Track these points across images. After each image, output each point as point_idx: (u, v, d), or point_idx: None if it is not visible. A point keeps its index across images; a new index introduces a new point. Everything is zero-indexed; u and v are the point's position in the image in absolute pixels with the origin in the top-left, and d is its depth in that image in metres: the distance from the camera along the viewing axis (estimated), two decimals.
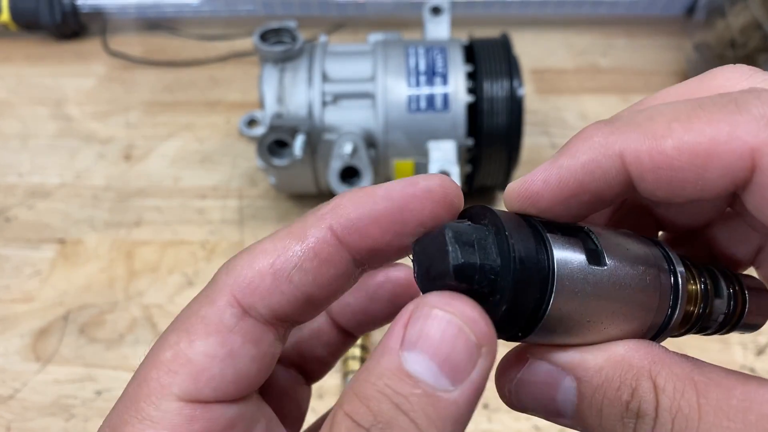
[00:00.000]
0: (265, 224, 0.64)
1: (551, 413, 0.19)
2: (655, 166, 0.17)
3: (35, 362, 0.53)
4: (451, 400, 0.16)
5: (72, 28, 0.86)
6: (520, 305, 0.17)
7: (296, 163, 0.56)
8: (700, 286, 0.20)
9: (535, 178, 0.18)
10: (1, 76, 0.82)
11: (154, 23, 0.89)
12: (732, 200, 0.20)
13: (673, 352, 0.18)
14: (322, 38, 0.62)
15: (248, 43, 0.74)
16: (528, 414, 0.19)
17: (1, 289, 0.59)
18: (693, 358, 0.18)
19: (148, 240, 0.62)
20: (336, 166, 0.55)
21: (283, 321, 0.19)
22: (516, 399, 0.19)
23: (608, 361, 0.18)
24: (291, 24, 0.59)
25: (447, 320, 0.16)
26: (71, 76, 0.82)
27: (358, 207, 0.18)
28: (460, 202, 0.19)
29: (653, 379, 0.17)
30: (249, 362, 0.18)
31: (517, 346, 0.20)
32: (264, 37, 0.58)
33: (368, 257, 0.19)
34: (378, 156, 0.58)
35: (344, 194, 0.19)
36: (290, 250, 0.18)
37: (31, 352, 0.54)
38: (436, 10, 0.63)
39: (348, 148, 0.55)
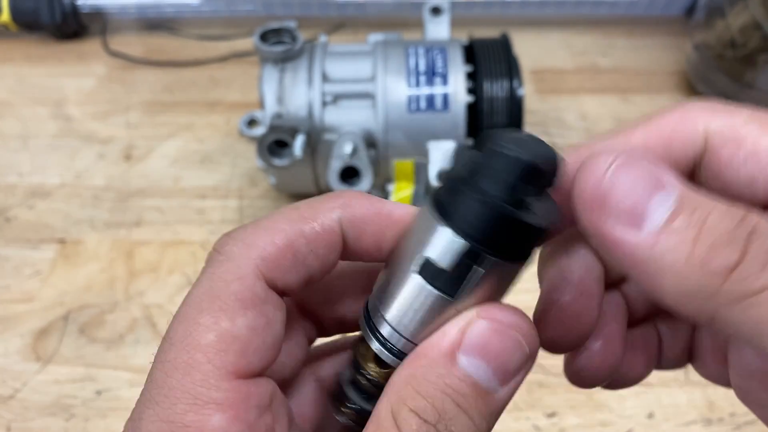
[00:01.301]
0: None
1: (634, 214, 0.16)
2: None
3: (35, 362, 0.53)
4: (497, 398, 0.18)
5: (72, 28, 0.86)
6: None
7: (296, 163, 0.56)
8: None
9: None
10: (1, 76, 0.82)
11: (155, 23, 0.89)
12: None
13: None
14: (322, 38, 0.62)
15: (248, 43, 0.74)
16: (598, 212, 0.17)
17: (1, 289, 0.59)
18: None
19: (149, 240, 0.62)
20: (336, 166, 0.55)
21: (286, 296, 0.21)
22: (612, 175, 0.17)
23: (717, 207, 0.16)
24: (291, 24, 0.59)
25: (506, 333, 0.18)
26: (71, 76, 0.82)
27: (367, 209, 0.21)
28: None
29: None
30: (281, 328, 0.20)
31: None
32: (264, 37, 0.58)
33: (360, 252, 0.21)
34: (378, 156, 0.58)
35: (351, 193, 0.21)
36: (307, 233, 0.20)
37: (32, 352, 0.54)
38: (436, 11, 0.63)
39: (348, 148, 0.55)
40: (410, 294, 0.19)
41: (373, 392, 0.21)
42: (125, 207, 0.66)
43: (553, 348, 0.22)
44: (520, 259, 0.19)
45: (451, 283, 0.19)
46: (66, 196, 0.67)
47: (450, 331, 0.19)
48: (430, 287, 0.19)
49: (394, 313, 0.20)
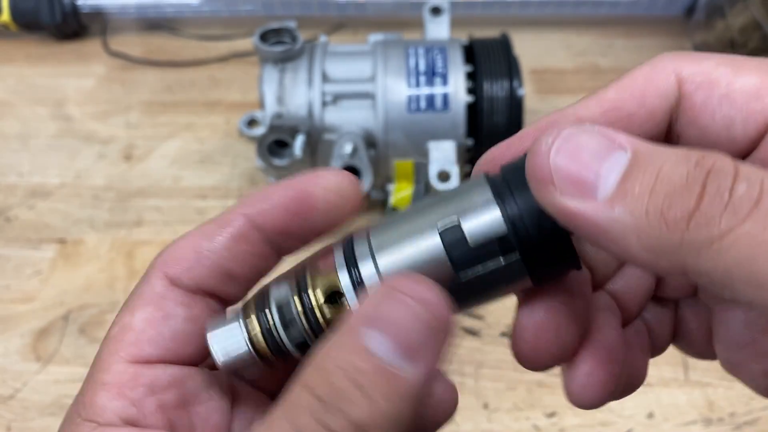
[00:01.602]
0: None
1: (584, 183, 0.16)
2: (604, 110, 0.20)
3: (35, 362, 0.53)
4: (404, 378, 0.16)
5: (72, 28, 0.86)
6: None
7: (296, 163, 0.56)
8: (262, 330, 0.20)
9: (501, 146, 0.21)
10: (2, 77, 0.82)
11: (155, 23, 0.89)
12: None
13: None
14: (322, 38, 0.62)
15: (248, 43, 0.74)
16: (548, 186, 0.16)
17: (1, 289, 0.59)
18: None
19: (149, 240, 0.62)
20: (336, 166, 0.55)
21: (211, 294, 0.22)
22: (556, 150, 0.16)
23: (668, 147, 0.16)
24: (291, 24, 0.59)
25: (409, 304, 0.17)
26: (71, 76, 0.82)
27: (266, 197, 0.22)
28: (357, 194, 0.22)
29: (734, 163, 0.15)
30: (183, 322, 0.21)
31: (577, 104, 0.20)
32: (264, 37, 0.58)
33: (281, 239, 0.22)
34: (378, 156, 0.58)
35: (263, 188, 0.23)
36: (210, 231, 0.22)
37: (32, 352, 0.54)
38: (436, 11, 0.63)
39: (348, 148, 0.55)
40: (418, 250, 0.18)
41: (297, 327, 0.19)
42: (125, 207, 0.66)
43: (542, 362, 0.22)
44: (537, 278, 0.19)
45: (463, 260, 0.18)
46: (66, 196, 0.67)
47: (360, 305, 0.17)
48: (443, 253, 0.18)
49: (387, 260, 0.18)
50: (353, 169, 0.56)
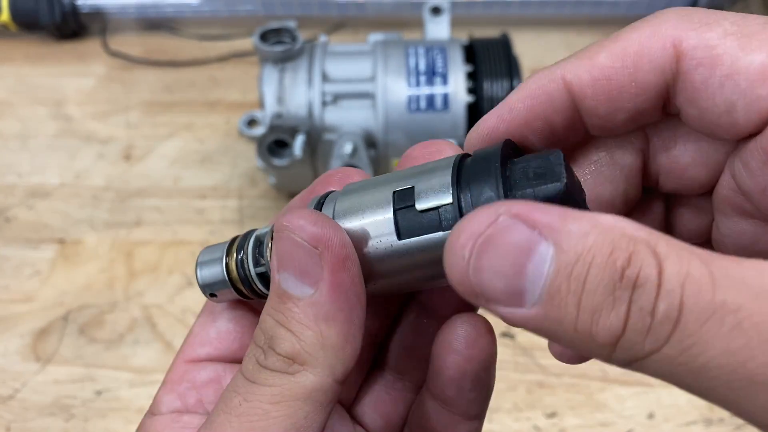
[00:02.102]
0: (265, 224, 0.64)
1: (512, 294, 0.15)
2: (593, 78, 0.18)
3: (35, 362, 0.53)
4: (312, 301, 0.18)
5: (72, 28, 0.86)
6: None
7: (296, 163, 0.56)
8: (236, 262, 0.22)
9: (489, 116, 0.20)
10: (1, 76, 0.82)
11: (154, 23, 0.89)
12: (667, 108, 0.19)
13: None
14: (322, 38, 0.62)
15: (248, 43, 0.74)
16: (479, 299, 0.16)
17: (0, 289, 0.59)
18: None
19: (148, 240, 0.62)
20: (336, 165, 0.55)
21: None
22: (474, 267, 0.15)
23: (596, 227, 0.14)
24: (291, 24, 0.59)
25: (288, 236, 0.18)
26: (71, 76, 0.82)
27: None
28: None
29: (652, 247, 0.14)
30: (227, 322, 0.24)
31: (490, 205, 0.16)
32: (264, 37, 0.58)
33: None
34: (378, 156, 0.58)
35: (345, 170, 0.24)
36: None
37: (31, 352, 0.54)
38: (436, 10, 0.63)
39: (348, 148, 0.55)
40: (370, 211, 0.19)
41: (262, 264, 0.22)
42: (125, 207, 0.66)
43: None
44: None
45: (407, 224, 0.19)
46: (66, 196, 0.67)
47: None
48: (389, 213, 0.19)
49: (345, 219, 0.20)
50: None
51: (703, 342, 0.13)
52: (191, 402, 0.23)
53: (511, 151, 0.19)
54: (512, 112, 0.20)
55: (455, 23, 0.63)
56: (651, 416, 0.49)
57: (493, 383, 0.22)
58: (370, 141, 0.57)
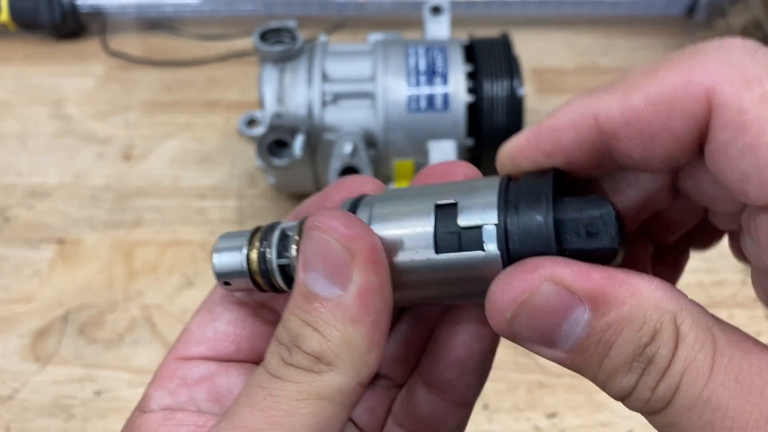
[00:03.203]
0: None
1: (545, 342, 0.17)
2: (626, 121, 0.17)
3: (34, 362, 0.53)
4: (340, 302, 0.18)
5: (71, 27, 0.86)
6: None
7: (296, 163, 0.56)
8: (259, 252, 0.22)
9: (520, 136, 0.20)
10: (1, 76, 0.82)
11: (154, 23, 0.89)
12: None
13: (695, 302, 0.17)
14: (322, 38, 0.62)
15: (248, 42, 0.74)
16: (515, 341, 0.18)
17: (0, 289, 0.58)
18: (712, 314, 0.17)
19: (148, 240, 0.62)
20: (336, 165, 0.55)
21: (261, 304, 0.25)
22: (512, 325, 0.17)
23: (633, 297, 0.16)
24: (291, 24, 0.59)
25: (319, 236, 0.18)
26: (71, 75, 0.82)
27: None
28: None
29: (678, 325, 0.16)
30: (226, 324, 0.24)
31: (523, 263, 0.17)
32: (264, 36, 0.58)
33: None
34: (378, 156, 0.58)
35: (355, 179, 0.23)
36: None
37: (31, 353, 0.54)
38: (436, 10, 0.63)
39: (348, 147, 0.55)
40: (409, 221, 0.19)
41: (287, 258, 0.21)
42: (124, 207, 0.65)
43: None
44: None
45: (447, 239, 0.18)
46: (65, 196, 0.67)
47: None
48: (429, 226, 0.19)
49: (381, 225, 0.20)
50: (353, 169, 0.56)
51: (680, 428, 0.16)
52: (182, 399, 0.23)
53: (559, 179, 0.19)
54: (538, 140, 0.19)
55: (455, 23, 0.63)
56: None
57: (489, 370, 0.23)
58: (370, 141, 0.57)
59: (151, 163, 0.70)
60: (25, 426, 0.49)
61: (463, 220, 0.18)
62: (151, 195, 0.67)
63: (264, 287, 0.22)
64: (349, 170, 0.56)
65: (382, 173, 0.59)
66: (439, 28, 0.62)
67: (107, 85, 0.81)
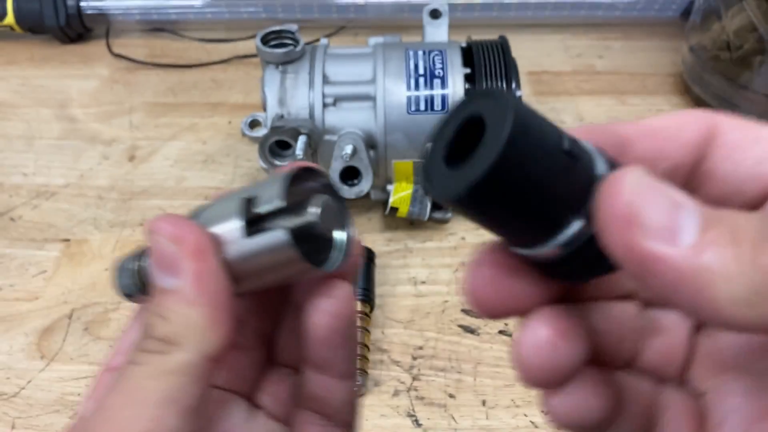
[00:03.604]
0: None
1: (667, 231, 0.15)
2: (641, 133, 0.20)
3: (40, 360, 0.54)
4: (178, 291, 0.21)
5: (76, 30, 0.87)
6: None
7: None
8: None
9: None
10: (6, 78, 0.83)
11: (158, 26, 0.90)
12: None
13: None
14: (323, 41, 0.63)
15: (250, 45, 0.75)
16: (632, 229, 0.15)
17: (6, 287, 0.59)
18: None
19: None
20: (336, 167, 0.56)
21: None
22: (637, 200, 0.16)
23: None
24: (292, 27, 0.59)
25: (152, 239, 0.21)
26: (75, 77, 0.83)
27: None
28: None
29: None
30: (137, 332, 0.25)
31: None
32: (266, 39, 0.59)
33: None
34: (378, 157, 0.59)
35: None
36: None
37: (36, 350, 0.54)
38: (435, 14, 0.64)
39: (348, 149, 0.56)
40: (223, 217, 0.22)
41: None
42: (129, 207, 0.66)
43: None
44: (304, 256, 0.21)
45: (251, 229, 0.21)
46: (70, 196, 0.68)
47: None
48: (237, 218, 0.21)
49: (204, 223, 0.22)
50: (353, 170, 0.57)
51: None
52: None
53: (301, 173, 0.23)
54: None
55: (454, 26, 0.64)
56: None
57: (357, 341, 0.25)
58: (370, 142, 0.58)
59: (155, 163, 0.71)
60: (30, 422, 0.50)
61: (260, 209, 0.21)
62: (156, 195, 0.68)
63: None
64: (349, 171, 0.57)
65: (382, 174, 0.60)
66: (438, 32, 0.63)
67: (112, 86, 0.82)
